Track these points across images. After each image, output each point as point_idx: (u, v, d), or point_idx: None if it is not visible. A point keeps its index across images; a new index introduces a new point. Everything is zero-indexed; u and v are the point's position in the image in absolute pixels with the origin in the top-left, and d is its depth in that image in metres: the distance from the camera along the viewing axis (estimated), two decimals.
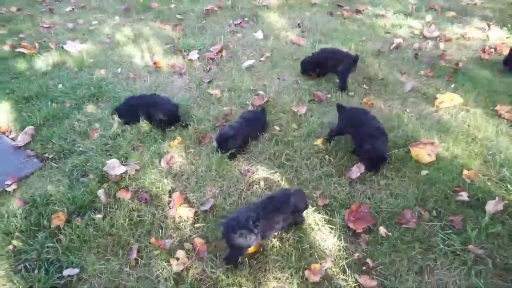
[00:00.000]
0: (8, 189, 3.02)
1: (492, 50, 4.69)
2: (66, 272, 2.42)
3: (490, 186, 2.87)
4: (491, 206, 2.63)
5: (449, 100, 3.78)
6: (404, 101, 3.89)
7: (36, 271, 2.40)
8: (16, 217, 2.73)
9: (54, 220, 2.71)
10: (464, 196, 2.76)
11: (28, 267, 2.45)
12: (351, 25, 5.48)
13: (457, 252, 2.42)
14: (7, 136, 3.61)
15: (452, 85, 4.05)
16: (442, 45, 4.83)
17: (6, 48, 4.96)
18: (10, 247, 2.54)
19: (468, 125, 3.50)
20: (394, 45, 4.84)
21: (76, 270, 2.43)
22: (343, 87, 4.02)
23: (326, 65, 4.15)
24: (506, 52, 4.50)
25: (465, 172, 2.98)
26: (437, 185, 2.87)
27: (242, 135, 3.28)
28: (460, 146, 3.26)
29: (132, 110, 3.59)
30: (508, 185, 2.84)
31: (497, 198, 2.68)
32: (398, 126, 3.50)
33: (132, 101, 3.65)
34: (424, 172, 3.01)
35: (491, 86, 4.00)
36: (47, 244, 2.57)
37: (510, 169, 2.98)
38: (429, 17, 5.54)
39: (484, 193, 2.79)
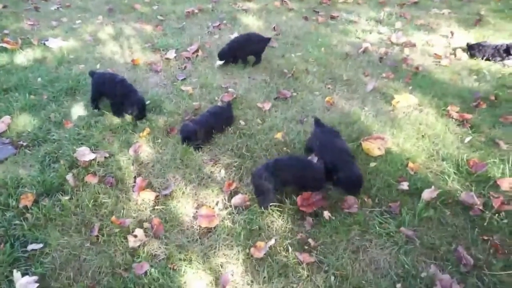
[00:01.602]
0: None
1: (452, 56, 4.99)
2: (30, 247, 2.60)
3: (430, 177, 3.12)
4: (427, 194, 2.88)
5: (405, 100, 4.04)
6: (364, 100, 4.15)
7: (2, 245, 2.58)
8: None
9: (23, 200, 2.89)
10: (405, 185, 3.00)
11: None
12: (324, 29, 5.76)
13: (391, 234, 2.66)
14: None
15: (410, 87, 4.32)
16: (406, 50, 5.12)
17: None
18: None
19: (420, 123, 3.76)
20: (362, 49, 5.12)
21: (40, 245, 2.61)
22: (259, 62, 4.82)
23: (244, 51, 4.73)
24: (464, 58, 4.86)
25: (410, 164, 3.23)
26: (382, 176, 3.12)
27: (205, 128, 3.49)
28: (410, 142, 3.52)
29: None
30: (446, 177, 3.10)
31: (433, 187, 2.93)
32: (354, 122, 3.75)
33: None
34: (372, 164, 3.25)
35: (445, 89, 4.28)
36: (14, 222, 2.75)
37: (450, 163, 3.24)
38: (398, 24, 5.85)
39: (423, 183, 3.03)
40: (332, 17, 6.17)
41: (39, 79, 4.40)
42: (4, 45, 5.02)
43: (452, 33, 5.52)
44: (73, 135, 3.58)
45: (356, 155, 3.34)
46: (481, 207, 2.79)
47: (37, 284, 2.35)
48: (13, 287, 2.36)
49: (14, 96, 4.10)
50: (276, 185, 2.82)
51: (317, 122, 3.35)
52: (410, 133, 3.62)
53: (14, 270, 2.42)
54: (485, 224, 2.69)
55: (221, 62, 4.73)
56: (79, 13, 6.37)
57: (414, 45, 5.27)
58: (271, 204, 2.84)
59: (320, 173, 2.91)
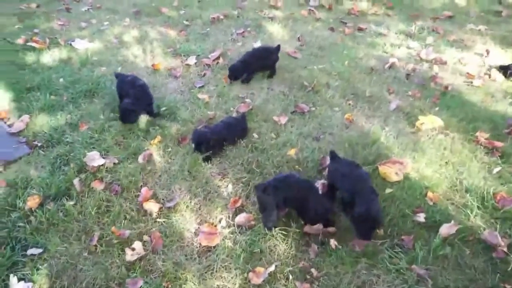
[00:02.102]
0: None
1: (486, 76, 4.67)
2: (30, 251, 2.60)
3: (451, 210, 2.89)
4: (445, 229, 2.66)
5: (430, 122, 3.80)
6: (386, 119, 3.94)
7: (3, 247, 2.60)
8: None
9: (29, 202, 2.91)
10: (421, 217, 2.79)
11: None
12: (350, 41, 5.56)
13: (401, 270, 2.46)
14: (5, 123, 3.87)
15: (437, 108, 4.07)
16: (436, 68, 4.84)
17: (20, 41, 5.30)
18: None
19: (444, 148, 3.51)
20: (388, 64, 4.90)
21: (40, 250, 2.61)
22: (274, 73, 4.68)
23: (257, 65, 4.57)
24: (499, 79, 4.54)
25: (429, 194, 3.01)
26: (397, 204, 2.91)
27: (218, 137, 3.42)
28: (431, 168, 3.29)
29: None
30: (469, 211, 2.85)
31: (452, 221, 2.70)
32: (373, 142, 3.56)
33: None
34: (388, 191, 3.05)
35: (476, 112, 4.00)
36: (19, 224, 2.76)
37: (474, 195, 2.99)
38: (429, 40, 5.56)
39: (442, 216, 2.81)
40: (360, 29, 5.96)
41: (61, 79, 4.48)
42: (33, 44, 5.16)
43: (487, 51, 5.19)
44: (86, 139, 3.59)
45: (371, 179, 3.16)
46: (505, 249, 2.53)
47: None
48: None
49: (36, 96, 4.19)
50: (278, 202, 2.70)
51: (333, 155, 3.04)
52: (432, 159, 3.39)
53: (11, 275, 2.42)
54: (509, 269, 2.44)
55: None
56: (108, 14, 6.49)
57: (445, 63, 4.98)
58: (275, 226, 2.72)
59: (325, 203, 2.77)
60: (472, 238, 2.65)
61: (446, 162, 3.36)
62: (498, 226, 2.72)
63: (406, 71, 4.80)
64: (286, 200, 2.72)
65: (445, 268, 2.47)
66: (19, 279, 2.42)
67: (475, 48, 5.40)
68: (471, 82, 4.57)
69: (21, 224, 2.76)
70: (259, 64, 4.58)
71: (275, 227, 2.73)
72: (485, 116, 3.94)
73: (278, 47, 4.58)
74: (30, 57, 4.96)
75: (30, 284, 2.39)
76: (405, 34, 5.80)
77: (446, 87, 4.40)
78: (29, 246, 2.64)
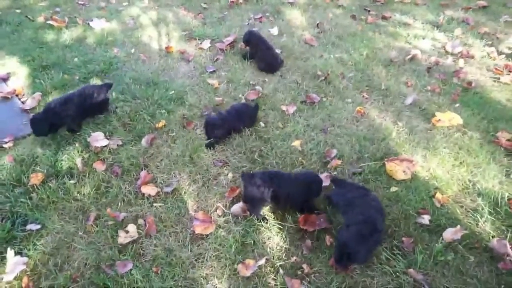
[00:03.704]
0: (5, 145, 3.32)
1: None
2: (29, 227, 2.65)
3: (459, 213, 2.73)
4: (449, 234, 2.51)
5: (447, 120, 3.59)
6: (400, 114, 3.75)
7: (4, 221, 2.67)
8: (1, 171, 3.03)
9: (33, 179, 2.96)
10: (425, 219, 2.65)
11: (0, 216, 2.72)
12: (371, 31, 5.31)
13: (397, 273, 2.35)
14: (19, 99, 3.95)
15: (457, 105, 3.83)
16: (461, 62, 4.55)
17: (40, 19, 5.38)
18: None
19: (460, 148, 3.31)
20: (409, 56, 4.64)
21: (38, 226, 2.66)
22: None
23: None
24: None
25: (437, 195, 2.85)
26: (401, 204, 2.78)
27: (228, 124, 3.36)
28: (443, 169, 3.11)
29: None
30: (478, 216, 2.68)
31: (458, 226, 2.55)
32: (383, 138, 3.40)
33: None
34: (393, 189, 2.91)
35: (499, 111, 3.74)
36: (21, 199, 2.82)
37: (487, 200, 2.80)
38: (458, 31, 5.23)
39: (448, 220, 2.66)
40: (384, 18, 5.67)
41: (76, 59, 4.52)
42: (52, 22, 5.22)
43: None
44: (93, 119, 3.61)
45: (376, 177, 3.03)
46: None
47: (24, 266, 2.39)
48: (5, 264, 2.42)
49: (50, 74, 4.24)
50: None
51: (336, 181, 2.84)
52: (445, 158, 3.20)
53: (8, 248, 2.48)
54: None
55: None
56: None
57: (472, 57, 4.67)
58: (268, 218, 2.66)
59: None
60: (478, 246, 2.50)
61: (461, 163, 3.18)
62: (509, 235, 2.55)
63: (428, 64, 4.54)
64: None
65: (445, 276, 2.34)
66: (16, 253, 2.48)
67: (507, 41, 5.03)
68: (498, 79, 4.27)
69: (23, 199, 2.82)
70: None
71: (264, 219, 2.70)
72: (509, 115, 3.68)
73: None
74: (48, 35, 5.02)
75: (25, 259, 2.44)
76: (432, 25, 5.47)
77: (470, 83, 4.13)
78: (28, 221, 2.69)
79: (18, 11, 5.65)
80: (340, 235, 2.37)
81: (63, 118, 3.34)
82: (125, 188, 2.95)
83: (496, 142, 3.37)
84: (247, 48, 4.59)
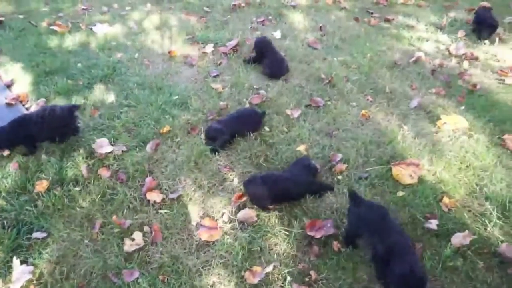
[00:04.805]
0: (4, 154, 3.30)
1: None
2: (35, 235, 2.64)
3: (467, 218, 2.71)
4: (457, 239, 2.49)
5: (453, 123, 3.57)
6: (405, 117, 3.73)
7: (9, 229, 2.66)
8: (6, 178, 3.02)
9: (37, 186, 2.96)
10: (433, 224, 2.62)
11: (5, 224, 2.70)
12: (375, 33, 5.29)
13: None
14: (24, 105, 3.95)
15: (462, 107, 3.81)
16: (465, 64, 4.53)
17: (44, 24, 5.39)
18: None
19: (466, 151, 3.29)
20: (413, 58, 4.63)
21: (44, 234, 2.65)
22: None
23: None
24: None
25: (445, 199, 2.83)
26: (408, 209, 2.76)
27: (231, 130, 3.34)
28: (450, 172, 3.09)
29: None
30: (486, 221, 2.66)
31: (467, 231, 2.52)
32: (389, 142, 3.38)
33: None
34: (400, 194, 2.89)
35: (505, 113, 3.72)
36: (26, 207, 2.81)
37: (495, 204, 2.78)
38: (461, 33, 5.21)
39: (456, 225, 2.64)
40: (387, 20, 5.66)
41: (79, 64, 4.52)
42: (55, 28, 5.23)
43: None
44: (98, 125, 3.61)
45: (383, 181, 3.01)
46: None
47: (30, 275, 2.37)
48: (10, 273, 2.41)
49: (54, 80, 4.24)
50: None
51: (353, 196, 2.52)
52: (452, 162, 3.19)
53: (14, 257, 2.47)
54: None
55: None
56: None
57: (476, 58, 4.66)
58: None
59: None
60: (487, 251, 2.48)
61: (467, 166, 3.16)
62: None
63: (432, 66, 4.52)
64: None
65: (453, 282, 2.32)
66: (22, 262, 2.47)
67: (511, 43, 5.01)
68: (503, 80, 4.26)
69: (28, 207, 2.81)
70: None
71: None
72: None
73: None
74: (52, 41, 5.03)
75: (31, 267, 2.43)
76: (436, 27, 5.46)
77: (475, 85, 4.11)
78: (34, 229, 2.68)
79: (21, 16, 5.66)
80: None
81: (22, 137, 3.24)
82: (131, 194, 2.94)
83: (502, 145, 3.35)
84: (253, 53, 4.57)
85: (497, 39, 5.07)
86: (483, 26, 5.08)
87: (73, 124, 3.43)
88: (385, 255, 2.15)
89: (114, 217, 2.71)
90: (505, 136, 3.40)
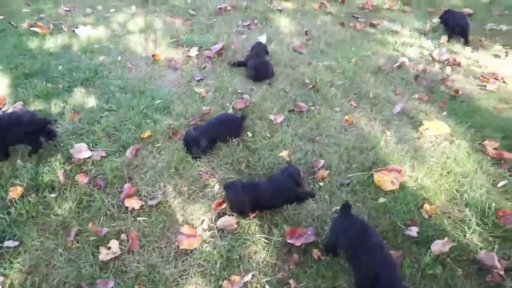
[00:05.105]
0: None
1: (500, 80, 4.38)
2: (6, 243, 2.54)
3: (447, 225, 2.71)
4: (437, 246, 2.48)
5: (435, 128, 3.59)
6: (388, 122, 3.74)
7: None
8: None
9: (11, 193, 2.87)
10: (413, 231, 2.61)
11: None
12: (360, 38, 5.32)
13: None
14: (0, 109, 3.84)
15: (444, 113, 3.84)
16: (448, 70, 4.58)
17: (24, 25, 5.27)
18: None
19: (447, 157, 3.30)
20: (397, 64, 4.66)
21: (16, 243, 2.56)
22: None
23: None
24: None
25: (425, 206, 2.83)
26: (389, 216, 2.75)
27: (208, 137, 3.29)
28: (431, 178, 3.10)
29: None
30: (466, 227, 2.66)
31: (446, 238, 2.52)
32: (371, 147, 3.38)
33: None
34: (381, 200, 2.88)
35: (486, 119, 3.75)
36: None
37: (474, 210, 2.79)
38: (444, 38, 5.26)
39: (436, 232, 2.63)
40: (372, 25, 5.70)
41: (60, 67, 4.43)
42: (36, 29, 5.12)
43: (506, 53, 4.88)
44: (77, 129, 3.53)
45: (365, 187, 3.00)
46: (502, 273, 2.35)
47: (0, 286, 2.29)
48: None
49: (33, 82, 4.14)
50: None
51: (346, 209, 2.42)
52: (433, 168, 3.19)
53: None
54: None
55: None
56: (114, 1, 6.40)
57: (458, 64, 4.70)
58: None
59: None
60: (466, 258, 2.47)
61: (448, 172, 3.16)
62: (496, 246, 2.53)
63: (416, 71, 4.56)
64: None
65: None
66: None
67: (493, 49, 5.08)
68: (485, 86, 4.31)
69: (0, 215, 2.72)
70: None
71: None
72: (495, 123, 3.69)
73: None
74: (32, 42, 4.93)
75: (1, 278, 2.35)
76: (420, 32, 5.51)
77: (457, 91, 4.15)
78: (5, 238, 2.59)
79: (1, 17, 5.53)
80: None
81: None
82: (108, 201, 2.87)
83: (483, 151, 3.37)
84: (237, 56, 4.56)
85: (479, 46, 5.15)
86: (452, 26, 5.25)
87: (43, 134, 3.29)
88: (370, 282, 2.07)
89: (90, 224, 2.64)
90: (486, 142, 3.42)
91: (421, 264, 2.41)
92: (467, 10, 6.17)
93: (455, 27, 5.18)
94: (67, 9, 5.93)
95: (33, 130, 3.19)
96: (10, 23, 5.34)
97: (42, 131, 3.26)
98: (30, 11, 5.83)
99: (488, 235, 2.63)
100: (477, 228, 2.67)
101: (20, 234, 2.62)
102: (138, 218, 2.76)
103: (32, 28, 5.15)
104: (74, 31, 5.21)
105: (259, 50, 4.46)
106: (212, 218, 2.77)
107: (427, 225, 2.69)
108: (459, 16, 5.27)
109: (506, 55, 4.85)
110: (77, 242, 2.58)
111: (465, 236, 2.63)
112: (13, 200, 2.82)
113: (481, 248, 2.53)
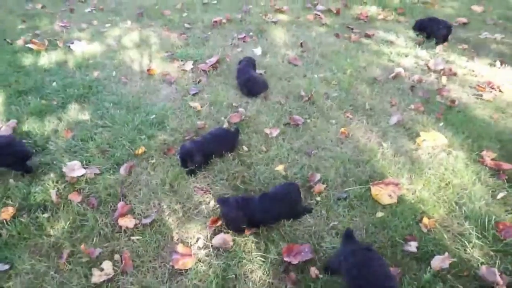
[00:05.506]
0: None
1: (498, 89, 4.37)
2: None
3: (446, 239, 2.66)
4: (437, 262, 2.43)
5: (432, 139, 3.56)
6: (384, 134, 3.70)
7: None
8: None
9: (3, 213, 2.82)
10: (412, 246, 2.57)
11: None
12: (355, 49, 5.32)
13: None
14: None
15: (441, 124, 3.81)
16: (444, 79, 4.57)
17: (20, 42, 5.28)
18: None
19: (445, 169, 3.27)
20: (393, 74, 4.65)
21: (7, 267, 2.51)
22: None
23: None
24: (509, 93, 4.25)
25: (424, 220, 2.78)
26: (387, 231, 2.70)
27: (203, 152, 3.25)
28: (429, 191, 3.06)
29: None
30: (466, 241, 2.61)
31: (446, 253, 2.47)
32: (368, 160, 3.34)
33: None
34: (379, 214, 2.84)
35: (483, 129, 3.72)
36: None
37: (474, 223, 2.74)
38: (439, 48, 5.27)
39: (436, 247, 2.58)
40: (367, 36, 5.70)
41: (54, 83, 4.41)
42: (31, 45, 5.12)
43: (502, 62, 4.88)
44: (70, 146, 3.49)
45: (361, 202, 2.95)
46: None
47: None
48: None
49: (27, 99, 4.12)
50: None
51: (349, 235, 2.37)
52: (431, 180, 3.15)
53: None
54: None
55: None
56: (110, 16, 6.43)
57: (454, 74, 4.69)
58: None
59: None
60: (467, 274, 2.42)
61: (446, 184, 3.12)
62: (498, 261, 2.48)
63: (412, 82, 4.54)
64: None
65: None
66: None
67: (488, 58, 5.07)
68: (481, 96, 4.29)
69: None
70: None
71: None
72: (493, 133, 3.66)
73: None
74: (27, 59, 4.92)
75: None
76: (415, 42, 5.52)
77: (453, 101, 4.13)
78: None
79: None
80: None
81: None
82: (102, 220, 2.82)
83: (481, 162, 3.33)
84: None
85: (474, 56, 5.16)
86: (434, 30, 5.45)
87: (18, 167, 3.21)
88: None
89: (82, 245, 2.58)
90: (483, 153, 3.39)
91: (421, 281, 2.36)
92: (462, 20, 6.19)
93: (439, 29, 5.38)
94: (63, 25, 5.95)
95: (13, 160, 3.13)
96: (5, 40, 5.35)
97: (19, 163, 3.18)
98: (26, 28, 5.85)
99: (489, 249, 2.58)
100: (477, 242, 2.62)
101: (11, 257, 2.57)
102: (132, 238, 2.71)
103: (27, 45, 5.16)
104: (69, 46, 5.22)
105: (245, 65, 4.42)
106: (207, 236, 2.72)
107: (426, 239, 2.64)
108: (438, 21, 5.50)
109: (502, 65, 4.84)
110: (70, 264, 2.53)
111: (465, 250, 2.58)
112: (4, 221, 2.77)
113: (482, 263, 2.48)
